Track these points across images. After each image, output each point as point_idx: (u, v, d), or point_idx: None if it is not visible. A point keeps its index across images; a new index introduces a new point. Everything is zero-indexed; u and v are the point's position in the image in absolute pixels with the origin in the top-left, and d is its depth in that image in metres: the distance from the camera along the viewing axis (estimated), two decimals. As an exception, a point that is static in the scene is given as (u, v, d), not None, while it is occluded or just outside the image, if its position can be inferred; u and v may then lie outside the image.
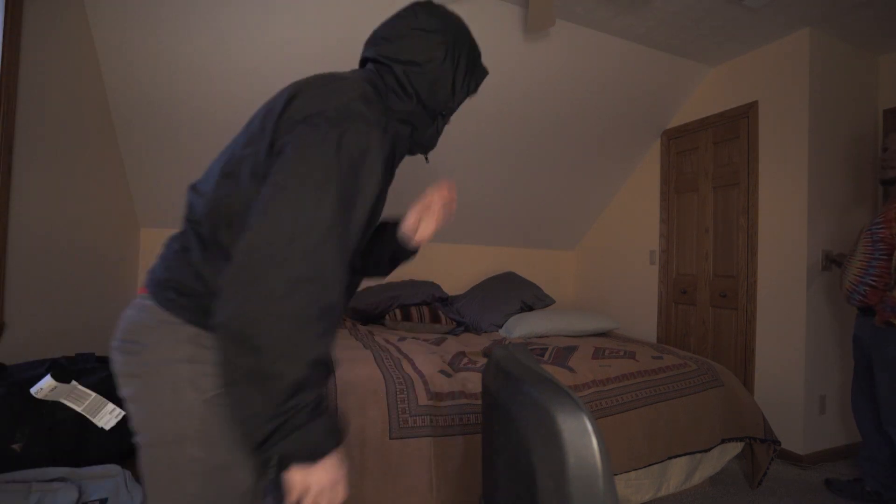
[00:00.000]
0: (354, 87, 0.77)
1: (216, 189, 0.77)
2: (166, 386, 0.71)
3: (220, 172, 0.78)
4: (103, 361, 1.44)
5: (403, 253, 1.00)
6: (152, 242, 2.98)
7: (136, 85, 2.30)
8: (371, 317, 3.04)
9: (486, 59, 2.57)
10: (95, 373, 1.32)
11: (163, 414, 0.71)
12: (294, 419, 0.64)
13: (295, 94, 0.75)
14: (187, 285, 0.74)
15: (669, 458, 1.88)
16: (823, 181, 2.54)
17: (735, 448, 2.13)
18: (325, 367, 0.69)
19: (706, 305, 3.00)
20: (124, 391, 0.75)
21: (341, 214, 0.68)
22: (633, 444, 1.81)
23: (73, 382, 1.25)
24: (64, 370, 1.26)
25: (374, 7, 2.24)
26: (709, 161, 3.02)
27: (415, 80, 0.84)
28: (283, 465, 0.66)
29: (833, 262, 2.44)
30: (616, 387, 1.91)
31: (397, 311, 2.99)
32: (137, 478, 1.20)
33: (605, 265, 3.88)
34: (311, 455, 0.66)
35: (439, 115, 0.90)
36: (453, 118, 2.87)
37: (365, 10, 2.24)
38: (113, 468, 1.12)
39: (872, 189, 2.74)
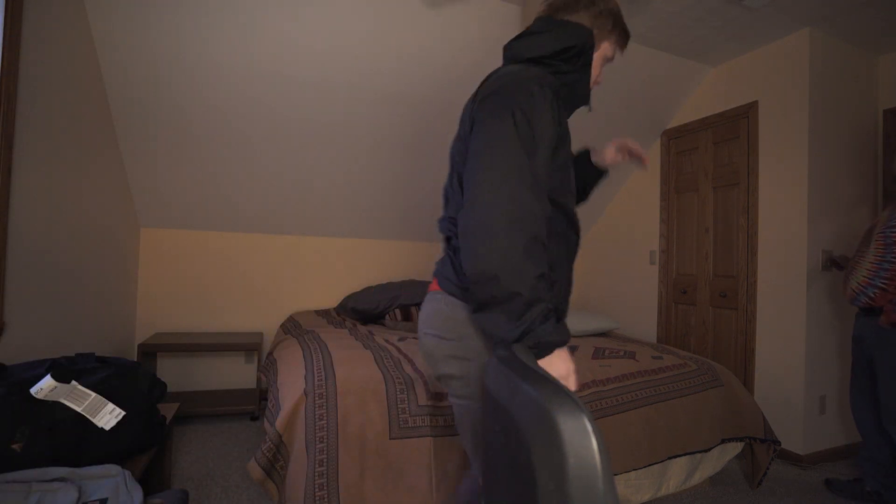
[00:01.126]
0: (513, 67, 0.97)
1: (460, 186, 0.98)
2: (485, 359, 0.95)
3: (456, 173, 1.01)
4: (103, 361, 1.44)
5: (593, 177, 1.26)
6: (152, 242, 2.98)
7: (136, 85, 2.30)
8: (371, 317, 3.04)
9: (484, 58, 2.58)
10: (95, 373, 1.32)
11: None
12: (530, 326, 0.81)
13: (480, 86, 0.98)
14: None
15: (669, 458, 1.88)
16: (823, 181, 2.54)
17: (735, 448, 2.13)
18: (546, 281, 0.85)
19: (706, 305, 3.00)
20: (449, 370, 1.00)
21: (527, 160, 0.85)
22: (632, 444, 1.81)
23: (73, 382, 1.24)
24: (64, 370, 1.26)
25: (371, 8, 2.24)
26: (709, 161, 3.02)
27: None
28: None
29: (834, 263, 2.43)
30: (616, 387, 1.91)
31: (397, 311, 2.99)
32: (137, 478, 1.20)
33: (605, 265, 3.88)
34: (545, 349, 0.84)
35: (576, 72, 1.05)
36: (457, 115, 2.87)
37: (364, 8, 2.24)
38: (113, 468, 1.11)
39: (873, 189, 2.74)
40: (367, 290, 3.16)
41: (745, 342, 2.75)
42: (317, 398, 1.57)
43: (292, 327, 2.82)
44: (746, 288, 2.75)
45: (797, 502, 2.05)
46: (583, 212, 3.86)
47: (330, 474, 1.42)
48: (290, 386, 1.75)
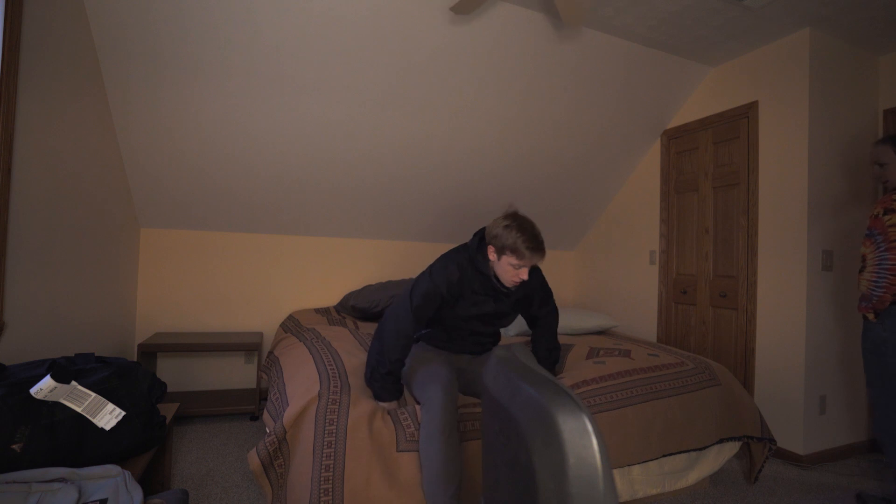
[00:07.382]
0: None
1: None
2: None
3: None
4: (103, 361, 1.44)
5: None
6: (152, 242, 2.98)
7: (136, 85, 2.30)
8: (370, 315, 3.04)
9: (486, 60, 2.58)
10: (95, 373, 1.32)
11: None
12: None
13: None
14: None
15: (664, 455, 1.87)
16: (823, 181, 2.54)
17: (733, 448, 2.13)
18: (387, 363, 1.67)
19: (706, 305, 3.00)
20: None
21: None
22: (625, 440, 1.81)
23: (73, 382, 1.24)
24: (64, 370, 1.26)
25: (373, 9, 2.24)
26: (709, 161, 3.02)
27: None
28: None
29: None
30: (610, 384, 1.91)
31: (397, 311, 2.99)
32: (137, 478, 1.20)
33: (605, 265, 3.88)
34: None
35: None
36: (461, 119, 2.86)
37: (365, 9, 2.24)
38: (113, 468, 1.11)
39: (872, 189, 2.74)
40: (367, 289, 3.17)
41: (745, 342, 2.75)
42: (329, 403, 1.57)
43: (292, 326, 2.82)
44: (746, 288, 2.75)
45: (797, 502, 2.05)
46: (581, 211, 3.87)
47: (336, 479, 1.42)
48: (301, 384, 1.74)
